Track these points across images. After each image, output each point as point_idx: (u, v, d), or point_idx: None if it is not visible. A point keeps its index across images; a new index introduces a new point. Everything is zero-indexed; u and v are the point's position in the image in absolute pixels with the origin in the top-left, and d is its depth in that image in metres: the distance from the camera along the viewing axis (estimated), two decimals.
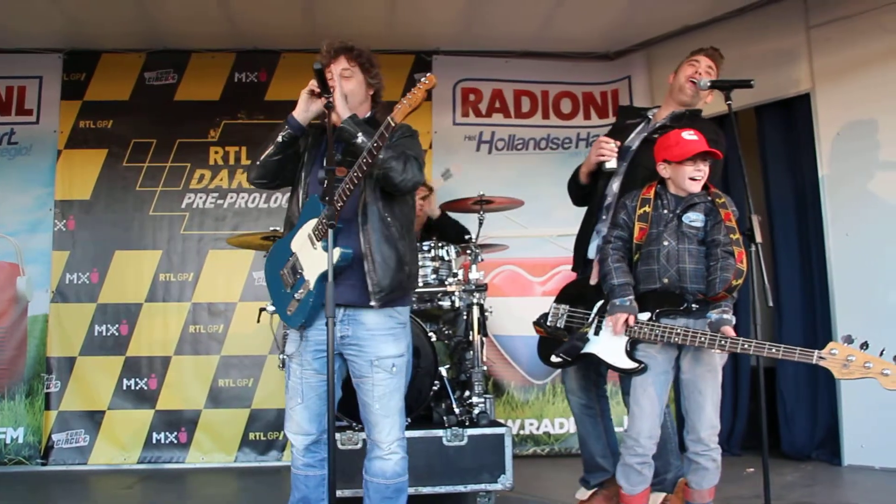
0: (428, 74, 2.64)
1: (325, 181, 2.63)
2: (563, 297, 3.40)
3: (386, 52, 5.68)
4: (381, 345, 2.80)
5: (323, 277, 2.70)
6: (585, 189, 3.67)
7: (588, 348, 3.16)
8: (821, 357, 2.66)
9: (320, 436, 2.88)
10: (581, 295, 3.32)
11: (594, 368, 3.56)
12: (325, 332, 2.76)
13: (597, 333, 3.15)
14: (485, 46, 5.99)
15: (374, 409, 2.79)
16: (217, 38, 5.69)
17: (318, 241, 2.73)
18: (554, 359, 3.25)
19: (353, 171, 2.63)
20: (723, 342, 2.82)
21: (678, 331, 2.90)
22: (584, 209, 3.77)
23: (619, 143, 3.50)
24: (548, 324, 3.35)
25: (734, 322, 2.94)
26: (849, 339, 2.64)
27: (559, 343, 3.25)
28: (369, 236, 2.77)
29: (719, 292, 2.91)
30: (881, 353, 2.59)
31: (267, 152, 2.91)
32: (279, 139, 2.89)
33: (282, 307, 2.89)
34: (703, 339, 2.84)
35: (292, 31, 5.53)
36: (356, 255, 2.75)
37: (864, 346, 2.62)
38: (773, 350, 2.73)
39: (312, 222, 2.76)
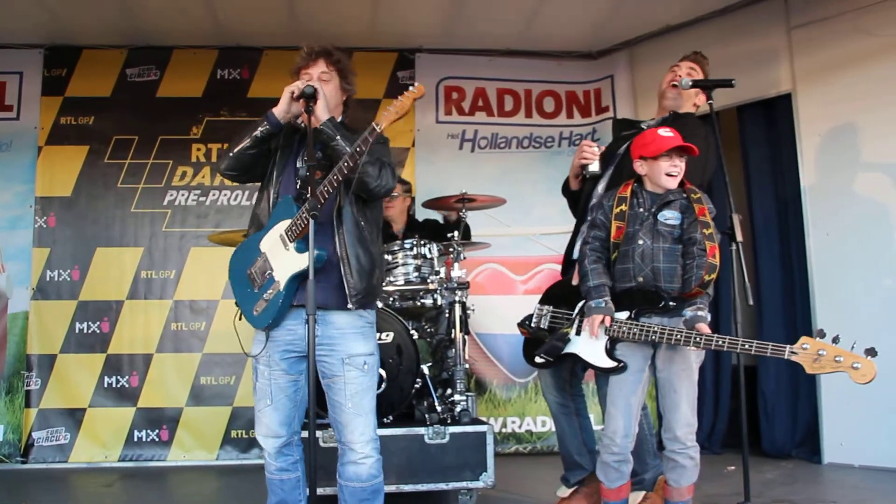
0: (417, 84, 2.65)
1: (305, 178, 2.62)
2: (546, 298, 3.43)
3: (369, 50, 5.71)
4: (352, 343, 2.79)
5: (294, 279, 2.70)
6: (576, 195, 3.70)
7: (569, 348, 3.17)
8: (792, 352, 2.67)
9: (291, 438, 2.86)
10: (564, 296, 3.32)
11: (569, 367, 3.57)
12: (293, 333, 2.77)
13: (578, 333, 3.16)
14: (468, 45, 5.99)
15: (347, 408, 2.76)
16: (199, 34, 5.65)
17: (291, 241, 2.72)
18: (537, 359, 3.26)
19: (332, 173, 2.63)
20: (697, 339, 2.83)
21: (655, 329, 2.91)
22: (570, 209, 3.80)
23: (601, 147, 3.54)
24: (531, 325, 3.36)
25: (709, 319, 2.95)
26: (821, 334, 2.66)
27: (542, 344, 3.26)
28: (344, 239, 2.77)
29: (693, 288, 2.93)
30: (852, 347, 2.61)
31: (242, 145, 2.88)
32: (257, 134, 2.87)
33: (247, 307, 2.85)
34: (678, 336, 2.85)
35: (275, 28, 5.51)
36: (330, 257, 2.74)
37: (836, 340, 2.64)
38: (747, 346, 2.75)
39: (285, 223, 2.75)
